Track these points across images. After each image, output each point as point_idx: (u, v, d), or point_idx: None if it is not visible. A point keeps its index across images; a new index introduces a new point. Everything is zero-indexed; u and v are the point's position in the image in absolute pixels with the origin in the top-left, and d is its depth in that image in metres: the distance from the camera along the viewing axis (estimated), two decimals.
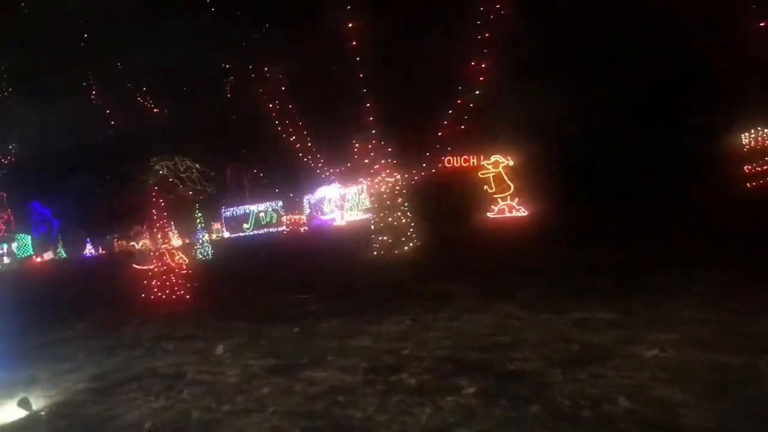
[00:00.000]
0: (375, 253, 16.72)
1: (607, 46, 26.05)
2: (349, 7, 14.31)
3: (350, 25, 14.39)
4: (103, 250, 56.43)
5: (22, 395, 7.10)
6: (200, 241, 28.03)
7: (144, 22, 24.49)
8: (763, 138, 26.65)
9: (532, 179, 25.98)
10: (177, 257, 15.61)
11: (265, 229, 51.57)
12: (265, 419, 5.53)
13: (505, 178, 25.71)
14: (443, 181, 20.00)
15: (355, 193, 46.21)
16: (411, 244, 16.70)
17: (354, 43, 14.53)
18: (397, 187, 16.51)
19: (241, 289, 15.28)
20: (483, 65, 16.22)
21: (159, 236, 16.45)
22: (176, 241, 16.81)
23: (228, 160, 39.86)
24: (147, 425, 5.78)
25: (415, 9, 17.26)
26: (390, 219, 16.44)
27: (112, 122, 31.60)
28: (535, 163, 25.96)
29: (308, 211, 46.41)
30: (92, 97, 28.20)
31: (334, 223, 45.09)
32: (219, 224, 52.03)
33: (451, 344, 7.23)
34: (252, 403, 6.02)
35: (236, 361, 7.74)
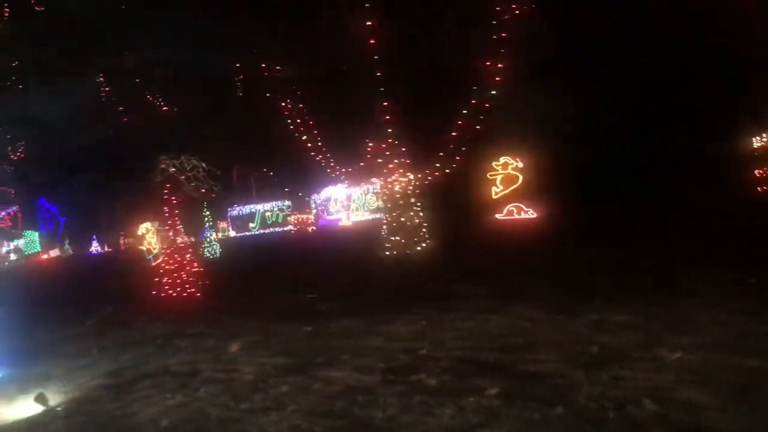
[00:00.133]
0: (387, 253, 16.66)
1: (615, 45, 25.99)
2: (367, 5, 14.23)
3: (367, 23, 14.32)
4: (109, 247, 56.55)
5: (37, 391, 7.10)
6: (207, 239, 28.04)
7: (153, 19, 24.52)
8: None
9: (541, 181, 25.92)
10: (187, 255, 15.58)
11: (271, 229, 51.61)
12: (285, 418, 5.50)
13: (515, 179, 25.67)
14: (452, 182, 19.95)
15: (362, 194, 46.21)
16: (423, 245, 16.65)
17: (372, 41, 14.45)
18: (410, 187, 16.48)
19: (249, 288, 15.25)
20: (499, 65, 16.17)
21: (168, 234, 16.45)
22: (182, 240, 16.76)
23: (235, 159, 39.83)
24: (164, 422, 5.76)
25: (430, 7, 17.23)
26: (403, 219, 16.40)
27: (120, 120, 31.69)
28: (544, 165, 25.89)
29: (315, 210, 46.46)
30: (101, 94, 28.31)
31: (340, 224, 45.08)
32: (225, 223, 52.09)
33: (467, 345, 7.18)
34: (270, 401, 5.99)
35: (250, 360, 7.71)
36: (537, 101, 22.75)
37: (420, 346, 7.29)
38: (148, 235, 29.60)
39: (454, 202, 21.75)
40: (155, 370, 7.68)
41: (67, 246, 57.17)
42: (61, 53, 27.18)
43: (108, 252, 55.33)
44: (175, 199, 16.77)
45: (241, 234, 51.94)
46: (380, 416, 5.31)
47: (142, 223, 35.38)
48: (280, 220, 53.08)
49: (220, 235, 39.06)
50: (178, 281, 14.63)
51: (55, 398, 6.92)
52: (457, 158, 17.99)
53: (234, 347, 8.37)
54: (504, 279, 11.58)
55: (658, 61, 26.39)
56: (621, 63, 26.35)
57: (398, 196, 16.48)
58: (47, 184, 56.52)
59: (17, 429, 6.11)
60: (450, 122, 17.34)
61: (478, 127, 17.24)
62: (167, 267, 15.03)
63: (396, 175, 16.46)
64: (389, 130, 15.99)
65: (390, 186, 16.55)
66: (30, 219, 58.26)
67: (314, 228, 42.06)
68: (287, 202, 51.39)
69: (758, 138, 26.89)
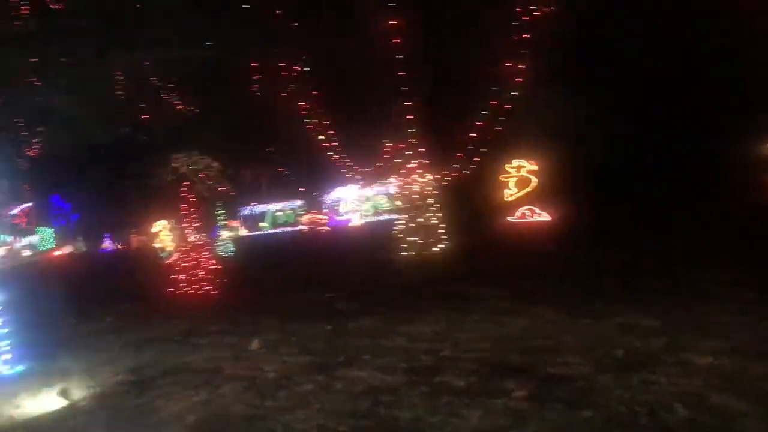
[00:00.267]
0: (403, 253, 16.64)
1: (628, 47, 25.82)
2: (390, 4, 14.23)
3: (390, 22, 14.31)
4: (121, 245, 56.82)
5: (60, 385, 7.13)
6: (219, 238, 28.08)
7: (171, 17, 24.57)
8: None
9: (554, 183, 25.82)
10: (203, 253, 15.62)
11: (282, 229, 51.73)
12: (310, 416, 5.49)
13: (528, 181, 25.60)
14: (466, 184, 19.90)
15: (373, 194, 46.23)
16: (440, 246, 16.62)
17: (394, 40, 14.44)
18: (428, 188, 16.46)
19: (265, 286, 15.27)
20: (520, 66, 16.13)
21: (183, 232, 16.50)
22: (197, 238, 16.85)
23: (247, 158, 39.89)
24: (189, 419, 5.76)
25: (452, 7, 17.18)
26: (420, 219, 16.39)
27: (135, 118, 31.80)
28: (557, 167, 25.79)
29: (327, 210, 46.54)
30: (117, 92, 28.45)
31: (350, 224, 45.12)
32: (237, 222, 52.24)
33: (489, 347, 7.15)
34: (294, 400, 5.98)
35: (271, 358, 7.72)
36: (551, 103, 22.65)
37: (442, 347, 7.27)
38: (162, 233, 29.68)
39: (468, 204, 21.69)
40: (177, 367, 7.69)
41: (79, 243, 57.48)
42: (79, 50, 27.32)
43: (120, 249, 55.61)
44: (191, 197, 16.82)
45: (253, 233, 52.07)
46: (406, 417, 5.30)
47: (154, 220, 35.53)
48: (291, 220, 53.20)
49: (232, 234, 39.16)
50: (195, 278, 14.67)
51: (77, 393, 6.94)
52: (476, 159, 17.96)
53: (254, 345, 8.37)
54: (521, 281, 11.54)
55: (673, 63, 26.21)
56: (635, 65, 26.19)
57: (416, 196, 16.47)
58: (61, 181, 56.84)
59: (42, 423, 6.13)
60: (469, 123, 17.30)
61: (498, 128, 17.20)
62: (184, 264, 15.07)
63: (414, 175, 16.45)
64: (410, 130, 15.97)
65: (408, 186, 16.54)
66: (43, 215, 58.57)
67: (328, 228, 42.13)
68: (298, 202, 51.49)
69: None
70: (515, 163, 25.89)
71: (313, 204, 46.47)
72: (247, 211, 54.24)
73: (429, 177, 16.96)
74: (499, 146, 21.46)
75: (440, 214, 16.89)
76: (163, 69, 27.93)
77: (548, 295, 9.83)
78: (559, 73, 22.24)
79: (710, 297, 8.41)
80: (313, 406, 5.73)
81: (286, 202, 52.81)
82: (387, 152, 17.16)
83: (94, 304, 14.78)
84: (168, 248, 27.57)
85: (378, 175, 20.09)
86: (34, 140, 32.99)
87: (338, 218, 47.62)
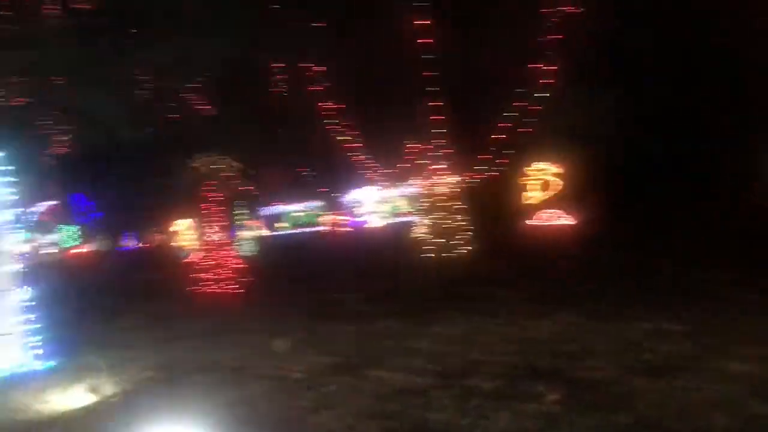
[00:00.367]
0: (426, 255, 16.62)
1: (650, 50, 25.55)
2: (417, 4, 14.24)
3: (418, 22, 14.33)
4: (143, 243, 57.38)
5: (89, 381, 7.21)
6: (240, 237, 28.23)
7: (194, 16, 24.79)
8: None
9: (576, 186, 25.66)
10: (226, 252, 15.72)
11: (301, 229, 51.93)
12: (340, 417, 5.49)
13: (550, 184, 25.46)
14: (490, 186, 19.85)
15: (391, 196, 46.21)
16: (464, 248, 16.57)
17: (421, 41, 14.45)
18: (452, 190, 16.44)
19: (287, 286, 15.34)
20: (549, 67, 16.09)
21: (206, 231, 16.62)
22: (221, 237, 16.98)
23: (268, 159, 40.05)
24: (219, 417, 5.79)
25: (478, 7, 17.13)
26: (443, 221, 16.36)
27: (160, 117, 32.11)
28: (580, 170, 25.62)
29: (347, 211, 46.62)
30: (142, 91, 28.77)
31: (368, 225, 45.17)
32: (257, 222, 52.47)
33: (517, 350, 7.12)
34: (323, 400, 5.99)
35: (298, 357, 7.74)
36: (574, 105, 22.50)
37: (469, 350, 7.25)
38: (184, 232, 29.95)
39: (491, 206, 21.61)
40: (204, 365, 7.73)
41: (102, 240, 58.15)
42: (104, 49, 27.65)
43: (142, 247, 56.15)
44: (214, 197, 16.94)
45: (272, 233, 52.33)
46: (436, 419, 5.28)
47: (176, 219, 35.84)
48: (310, 221, 53.39)
49: (252, 233, 39.41)
50: (219, 277, 14.76)
51: (108, 389, 7.01)
52: (502, 161, 17.91)
53: (280, 344, 8.40)
54: (545, 284, 11.50)
55: (696, 67, 25.90)
56: (657, 67, 25.92)
57: (440, 197, 16.45)
58: (84, 179, 57.55)
59: (73, 418, 6.19)
60: (496, 124, 17.25)
61: (525, 130, 17.14)
62: (207, 263, 15.18)
63: (438, 176, 16.43)
64: (436, 131, 15.94)
65: (432, 187, 16.52)
66: (67, 213, 59.35)
67: (348, 229, 42.22)
68: (317, 203, 51.62)
69: None
70: (537, 165, 25.77)
71: (333, 205, 46.58)
72: (266, 211, 54.48)
73: (453, 178, 16.93)
74: (524, 148, 21.37)
75: (464, 217, 16.85)
76: (187, 69, 28.15)
77: (572, 299, 9.80)
78: (583, 75, 22.08)
79: (738, 302, 8.30)
80: (342, 407, 5.73)
81: (305, 203, 52.97)
82: (411, 153, 17.15)
83: (119, 301, 14.95)
84: (189, 247, 27.80)
85: (400, 176, 20.10)
86: (60, 138, 33.39)
87: (356, 219, 47.70)
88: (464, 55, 16.61)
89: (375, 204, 47.44)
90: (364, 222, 46.08)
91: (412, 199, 31.81)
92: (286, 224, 53.77)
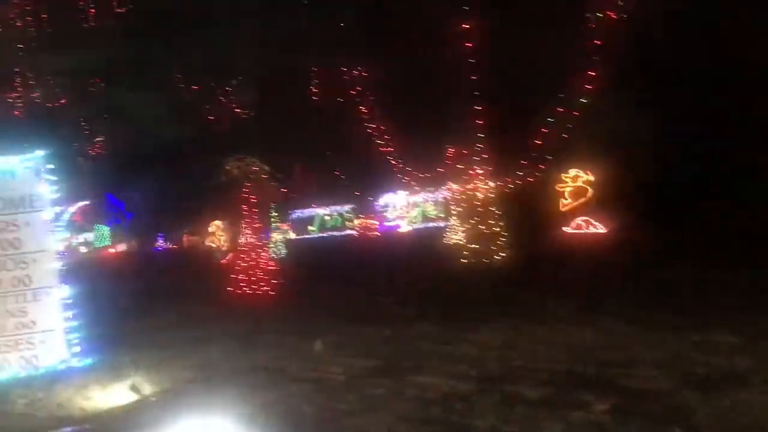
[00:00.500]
0: (462, 260, 16.45)
1: (691, 60, 25.06)
2: (466, 8, 14.15)
3: (460, 26, 14.24)
4: (173, 244, 57.94)
5: (130, 379, 7.21)
6: (272, 239, 28.34)
7: (231, 19, 25.05)
8: None
9: (610, 195, 25.20)
10: (259, 254, 15.75)
11: (330, 233, 51.91)
12: (383, 420, 5.40)
13: (584, 192, 25.06)
14: (526, 191, 19.64)
15: (422, 201, 46.02)
16: (502, 254, 16.39)
17: (466, 44, 14.35)
18: (489, 195, 16.28)
19: (319, 288, 15.27)
20: (591, 73, 15.88)
21: (236, 233, 16.68)
22: (250, 239, 17.05)
23: (301, 160, 40.26)
24: (261, 418, 5.73)
25: (521, 11, 16.96)
26: (482, 227, 16.21)
27: (193, 119, 32.61)
28: (614, 178, 25.18)
29: (379, 215, 46.50)
30: (179, 94, 29.23)
31: (399, 230, 44.96)
32: (286, 225, 52.68)
33: (561, 357, 6.96)
34: (365, 403, 5.90)
35: (336, 360, 7.67)
36: (612, 112, 22.14)
37: (512, 356, 7.11)
38: (216, 233, 30.21)
39: (527, 212, 21.33)
40: (241, 366, 7.70)
41: (133, 241, 58.93)
42: (141, 51, 28.10)
43: (172, 248, 56.71)
44: (248, 199, 17.01)
45: (301, 236, 52.44)
46: (480, 425, 5.16)
47: (207, 221, 36.19)
48: (339, 225, 53.39)
49: (282, 236, 39.68)
50: (252, 279, 14.78)
51: (147, 388, 7.01)
52: (541, 167, 17.71)
53: (317, 346, 8.34)
54: (585, 291, 11.25)
55: (734, 78, 25.32)
56: (696, 77, 25.39)
57: (478, 203, 16.30)
58: (115, 179, 58.40)
59: (115, 415, 6.20)
60: (535, 130, 17.08)
61: (562, 135, 16.93)
62: (241, 265, 15.22)
63: (477, 181, 16.29)
64: (475, 135, 15.82)
65: (470, 192, 16.38)
66: (99, 214, 60.28)
67: (378, 233, 42.12)
68: (347, 207, 51.59)
69: None
70: (572, 172, 25.37)
71: (364, 208, 46.51)
72: (296, 214, 54.67)
73: (491, 183, 16.77)
74: (561, 154, 21.08)
75: (502, 222, 16.66)
76: (225, 71, 28.45)
77: (612, 307, 9.58)
78: (622, 82, 21.74)
79: None
80: (384, 411, 5.64)
81: (334, 206, 53.00)
82: (449, 158, 17.04)
83: (152, 301, 15.04)
84: (221, 248, 28.03)
85: (434, 181, 19.97)
86: (96, 139, 34.03)
87: (387, 224, 47.54)
88: (507, 59, 16.42)
89: (404, 209, 47.26)
90: (396, 226, 45.91)
91: (442, 204, 31.62)
92: (313, 228, 53.86)
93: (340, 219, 53.63)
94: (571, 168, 25.46)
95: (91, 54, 28.39)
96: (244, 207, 17.40)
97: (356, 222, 43.42)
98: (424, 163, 19.07)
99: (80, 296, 8.57)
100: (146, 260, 40.95)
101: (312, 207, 54.26)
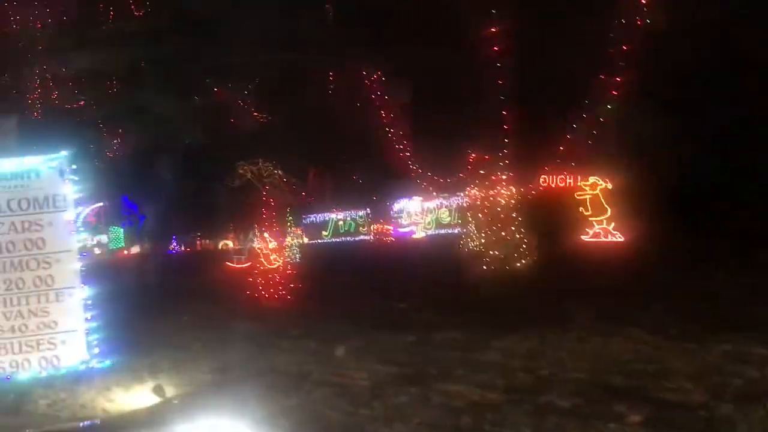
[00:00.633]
0: (482, 267, 16.27)
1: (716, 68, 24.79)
2: (488, 12, 14.06)
3: (491, 29, 14.17)
4: (186, 247, 58.06)
5: (151, 381, 7.16)
6: (287, 243, 28.26)
7: (248, 21, 25.02)
8: None
9: (630, 203, 24.92)
10: (276, 258, 15.71)
11: (343, 238, 51.83)
12: (410, 429, 5.30)
13: (603, 201, 24.78)
14: (547, 198, 19.44)
15: (436, 207, 45.86)
16: (524, 261, 16.19)
17: (495, 48, 14.29)
18: (512, 201, 16.14)
19: (336, 293, 15.12)
20: (617, 79, 15.76)
21: (257, 236, 16.66)
22: (272, 243, 17.03)
23: (317, 165, 40.20)
24: (284, 422, 5.65)
25: (547, 15, 16.81)
26: (504, 233, 16.04)
27: (208, 122, 32.56)
28: (633, 187, 24.89)
29: (393, 221, 46.36)
30: (195, 96, 29.29)
31: (413, 236, 44.79)
32: (300, 230, 52.64)
33: (591, 367, 6.81)
34: (391, 410, 5.81)
35: (359, 365, 7.57)
36: (635, 119, 21.90)
37: (540, 365, 6.97)
38: (236, 237, 30.22)
39: (548, 219, 21.09)
40: (263, 369, 7.62)
41: (148, 243, 59.12)
42: (158, 54, 28.20)
43: (185, 251, 56.82)
44: (266, 203, 16.99)
45: (314, 241, 52.36)
46: None
47: (220, 223, 36.16)
48: (352, 230, 53.29)
49: (296, 240, 39.74)
50: (269, 282, 14.70)
51: (168, 390, 6.95)
52: (561, 174, 17.52)
53: (339, 351, 8.25)
54: (610, 300, 11.03)
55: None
56: (725, 88, 25.08)
57: (500, 209, 16.15)
58: (129, 181, 58.64)
59: (139, 417, 6.15)
60: (557, 136, 16.91)
61: (586, 142, 16.75)
62: (258, 268, 15.17)
63: (498, 187, 16.15)
64: (506, 140, 15.69)
65: (491, 198, 16.24)
66: (114, 215, 60.66)
67: (393, 239, 41.99)
68: (361, 212, 51.49)
69: None
70: (591, 180, 25.11)
71: (380, 214, 46.37)
72: (310, 218, 54.66)
73: (512, 190, 16.61)
74: (583, 161, 20.84)
75: (523, 229, 16.48)
76: (241, 74, 28.45)
77: (639, 317, 9.36)
78: (646, 90, 21.51)
79: None
80: (411, 419, 5.54)
81: (348, 211, 52.94)
82: (471, 163, 16.90)
83: (170, 303, 14.96)
84: (239, 252, 28.00)
85: (453, 187, 19.80)
86: (113, 141, 34.18)
87: (401, 230, 47.39)
88: (532, 64, 16.22)
89: (419, 214, 47.12)
90: (410, 232, 45.75)
91: (457, 210, 31.41)
92: (326, 232, 53.81)
93: (353, 224, 53.56)
94: (592, 175, 25.18)
95: (110, 55, 28.52)
96: (263, 210, 17.35)
97: (372, 227, 43.24)
98: (443, 168, 18.91)
99: (100, 297, 8.54)
100: (161, 262, 41.05)
101: (331, 212, 54.27)
